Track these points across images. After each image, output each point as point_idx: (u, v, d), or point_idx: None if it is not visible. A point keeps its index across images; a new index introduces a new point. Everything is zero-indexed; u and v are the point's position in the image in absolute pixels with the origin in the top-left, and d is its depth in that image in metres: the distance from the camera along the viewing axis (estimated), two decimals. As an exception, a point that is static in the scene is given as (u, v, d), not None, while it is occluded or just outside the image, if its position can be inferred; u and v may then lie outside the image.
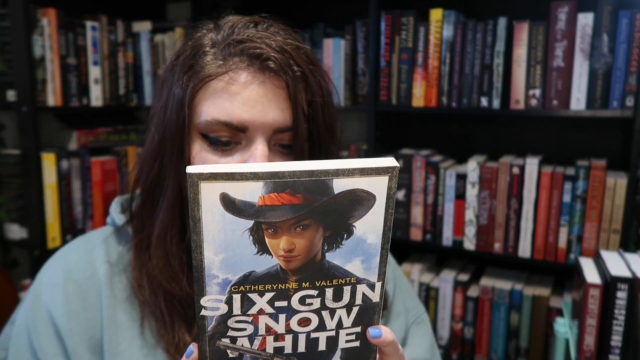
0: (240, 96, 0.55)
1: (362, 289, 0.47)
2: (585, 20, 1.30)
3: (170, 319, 0.60)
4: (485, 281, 1.53)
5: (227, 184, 0.40)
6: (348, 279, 0.46)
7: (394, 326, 0.72)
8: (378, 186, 0.42)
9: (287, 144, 0.58)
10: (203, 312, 0.44)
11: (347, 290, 0.46)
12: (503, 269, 1.61)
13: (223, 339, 0.46)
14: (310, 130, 0.58)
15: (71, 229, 1.60)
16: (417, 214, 1.56)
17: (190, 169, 0.39)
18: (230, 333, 0.46)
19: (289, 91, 0.56)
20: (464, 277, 1.56)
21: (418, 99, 1.50)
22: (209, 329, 0.45)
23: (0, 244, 1.64)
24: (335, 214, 0.43)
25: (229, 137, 0.56)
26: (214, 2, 1.95)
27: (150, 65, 1.79)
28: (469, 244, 1.50)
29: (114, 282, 0.63)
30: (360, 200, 0.42)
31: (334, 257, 0.45)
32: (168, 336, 0.60)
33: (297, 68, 0.56)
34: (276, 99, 0.56)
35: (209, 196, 0.40)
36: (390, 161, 0.42)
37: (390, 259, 0.76)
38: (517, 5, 1.54)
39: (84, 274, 0.63)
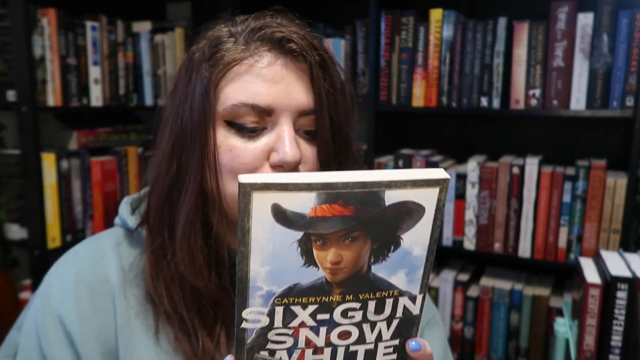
0: (264, 77, 0.55)
1: (403, 301, 0.46)
2: (585, 20, 1.30)
3: (192, 324, 0.59)
4: (485, 281, 1.53)
5: (280, 195, 0.39)
6: (391, 291, 0.45)
7: None
8: (428, 198, 0.41)
9: (309, 129, 0.58)
10: (244, 325, 0.43)
11: (389, 303, 0.45)
12: (503, 269, 1.61)
13: (262, 352, 0.45)
14: (330, 115, 0.58)
15: (71, 229, 1.60)
16: (417, 214, 1.55)
17: (242, 179, 0.38)
18: (270, 346, 0.45)
19: (311, 74, 0.56)
20: (464, 277, 1.56)
21: (418, 99, 1.50)
22: (248, 341, 0.44)
23: (0, 244, 1.64)
24: (384, 226, 0.42)
25: (255, 123, 0.56)
26: (214, 2, 1.95)
27: (150, 65, 1.79)
28: (469, 244, 1.50)
29: (127, 288, 0.61)
30: (409, 212, 0.42)
31: (379, 270, 0.44)
32: (190, 343, 0.58)
33: (316, 53, 0.56)
34: (299, 81, 0.56)
35: (260, 207, 0.39)
36: (441, 173, 0.41)
37: None
38: (517, 5, 1.54)
39: (96, 278, 0.61)
